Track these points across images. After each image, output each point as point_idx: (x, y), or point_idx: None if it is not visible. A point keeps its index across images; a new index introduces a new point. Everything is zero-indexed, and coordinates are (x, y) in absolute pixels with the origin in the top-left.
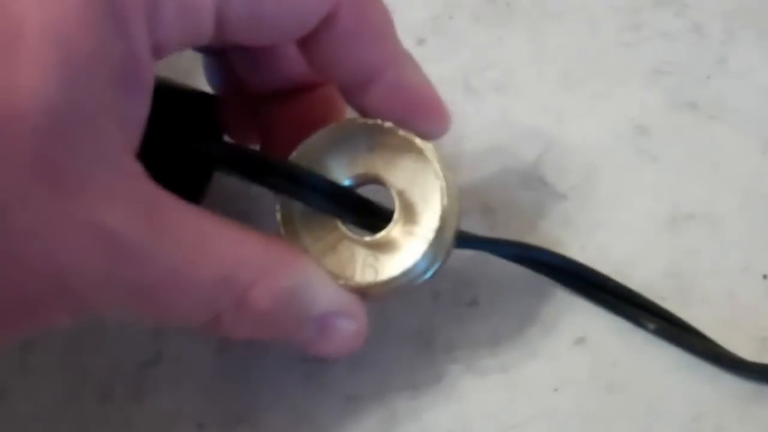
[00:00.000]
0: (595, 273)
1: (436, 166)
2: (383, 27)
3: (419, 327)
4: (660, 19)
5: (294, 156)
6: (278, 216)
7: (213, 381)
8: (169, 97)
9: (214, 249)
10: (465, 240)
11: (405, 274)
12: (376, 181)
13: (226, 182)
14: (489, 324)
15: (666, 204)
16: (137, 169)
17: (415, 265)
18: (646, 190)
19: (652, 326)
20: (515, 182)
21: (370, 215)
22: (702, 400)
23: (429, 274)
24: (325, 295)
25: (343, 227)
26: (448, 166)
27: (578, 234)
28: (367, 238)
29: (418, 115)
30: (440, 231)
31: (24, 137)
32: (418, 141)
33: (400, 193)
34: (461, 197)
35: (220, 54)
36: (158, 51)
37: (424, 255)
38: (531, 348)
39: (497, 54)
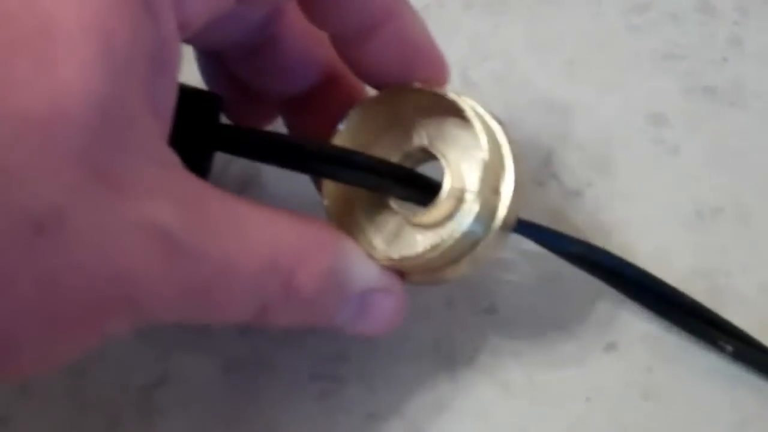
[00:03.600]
0: (669, 287)
1: (478, 126)
2: None
3: (437, 339)
4: (667, 0)
5: (334, 139)
6: (325, 202)
7: (223, 401)
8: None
9: (257, 236)
10: (526, 227)
11: (438, 245)
12: (424, 153)
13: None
14: (510, 332)
15: (690, 198)
16: (175, 158)
17: (456, 233)
18: (668, 183)
19: (729, 348)
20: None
21: (419, 188)
22: (746, 405)
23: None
24: (364, 271)
25: (391, 204)
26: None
27: (597, 234)
28: (416, 215)
29: (418, 69)
30: (483, 194)
31: (72, 137)
32: (461, 102)
33: (451, 163)
34: None
35: (217, 56)
36: (183, 28)
37: (467, 223)
38: (558, 356)
39: (495, 43)
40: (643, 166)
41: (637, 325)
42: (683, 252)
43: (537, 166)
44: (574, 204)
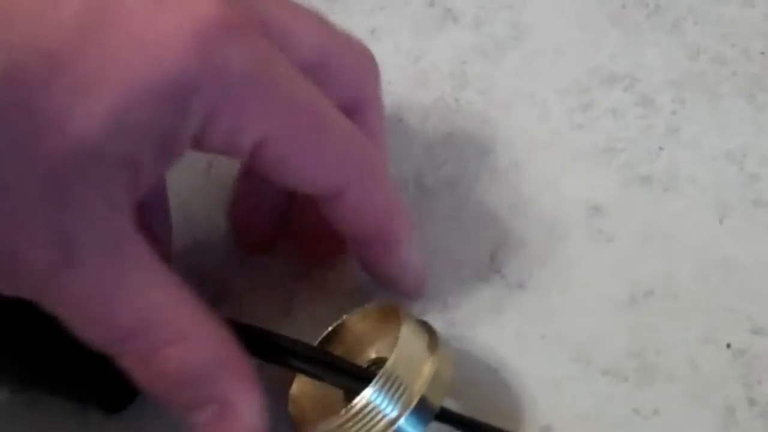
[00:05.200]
0: None
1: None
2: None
3: None
4: (609, 97)
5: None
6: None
7: None
8: None
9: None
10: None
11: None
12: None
13: None
14: None
15: (624, 283)
16: None
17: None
18: (603, 270)
19: None
20: (472, 278)
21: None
22: None
23: None
24: (227, 377)
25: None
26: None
27: (537, 323)
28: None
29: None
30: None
31: None
32: (402, 311)
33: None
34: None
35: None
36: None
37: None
38: None
39: (448, 151)
40: (581, 255)
41: (569, 406)
42: (617, 334)
43: (482, 263)
44: (517, 297)
